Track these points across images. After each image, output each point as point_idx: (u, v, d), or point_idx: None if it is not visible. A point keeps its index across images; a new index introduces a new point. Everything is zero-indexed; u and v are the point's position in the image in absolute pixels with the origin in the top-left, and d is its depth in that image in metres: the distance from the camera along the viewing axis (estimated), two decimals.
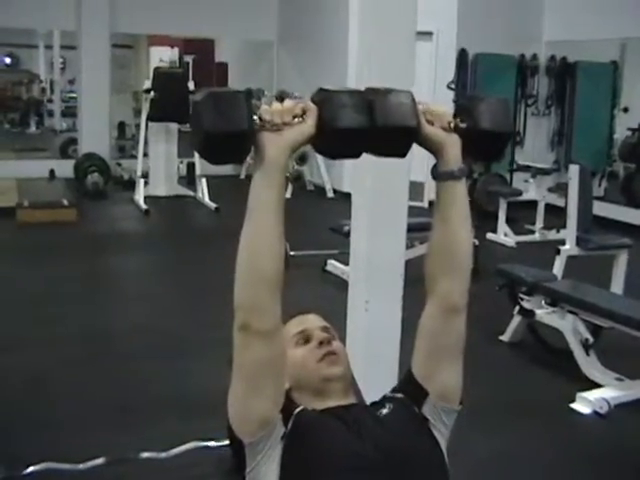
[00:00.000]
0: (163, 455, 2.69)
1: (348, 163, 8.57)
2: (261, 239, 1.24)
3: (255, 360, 1.26)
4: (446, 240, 1.36)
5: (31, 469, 2.58)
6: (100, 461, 2.62)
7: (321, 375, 1.45)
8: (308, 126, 1.21)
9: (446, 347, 1.41)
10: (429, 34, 8.35)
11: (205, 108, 1.15)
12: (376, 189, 2.44)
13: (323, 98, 1.23)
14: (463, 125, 1.34)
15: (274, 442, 1.31)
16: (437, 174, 1.35)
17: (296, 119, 1.21)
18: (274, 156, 1.20)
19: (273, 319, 1.26)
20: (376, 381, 2.25)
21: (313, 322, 1.54)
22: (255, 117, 1.18)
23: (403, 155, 1.35)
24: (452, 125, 1.34)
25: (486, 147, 1.38)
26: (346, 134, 1.23)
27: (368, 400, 1.59)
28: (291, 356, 1.47)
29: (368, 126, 1.24)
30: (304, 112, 1.22)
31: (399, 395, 1.46)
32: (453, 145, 1.33)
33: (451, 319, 1.39)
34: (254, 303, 1.24)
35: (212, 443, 2.69)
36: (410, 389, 1.45)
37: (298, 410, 1.37)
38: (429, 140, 1.33)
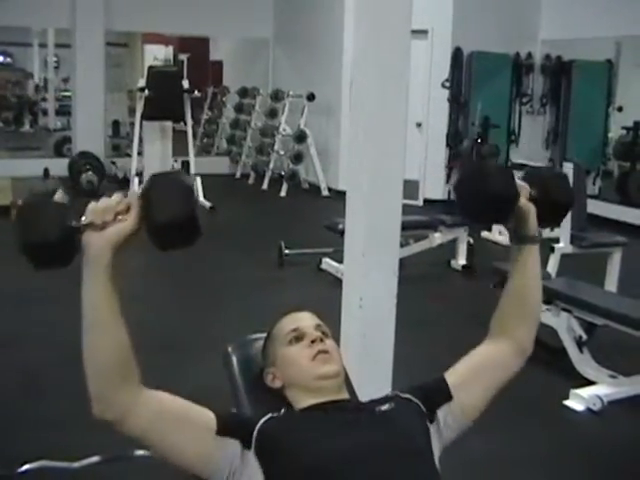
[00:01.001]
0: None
1: (343, 162, 8.60)
2: (93, 336, 1.26)
3: (142, 431, 1.29)
4: (524, 292, 1.54)
5: (26, 467, 2.58)
6: (95, 459, 2.62)
7: (314, 373, 1.45)
8: (129, 224, 1.23)
9: (496, 378, 1.53)
10: (424, 32, 8.36)
11: (18, 219, 1.19)
12: (371, 187, 2.44)
13: (145, 191, 1.23)
14: (535, 196, 1.51)
15: (238, 460, 1.32)
16: (521, 238, 1.52)
17: (119, 216, 1.22)
18: (95, 256, 1.22)
19: (117, 408, 1.28)
20: (370, 378, 2.26)
21: (306, 320, 1.54)
22: (80, 220, 1.20)
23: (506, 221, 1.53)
24: (530, 196, 1.50)
25: (551, 215, 1.55)
26: (170, 228, 1.24)
27: (362, 396, 1.60)
28: (284, 354, 1.49)
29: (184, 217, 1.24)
30: (128, 208, 1.23)
31: (406, 396, 1.48)
32: (533, 213, 1.50)
33: (517, 359, 1.55)
34: (96, 395, 1.27)
35: None
36: (434, 390, 1.49)
37: (259, 426, 1.36)
38: (521, 209, 1.49)
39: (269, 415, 1.39)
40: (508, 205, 1.44)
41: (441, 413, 1.47)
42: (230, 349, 1.68)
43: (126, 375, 1.28)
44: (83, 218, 1.20)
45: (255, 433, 1.34)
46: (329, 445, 1.33)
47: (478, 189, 1.43)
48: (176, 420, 1.32)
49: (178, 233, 1.24)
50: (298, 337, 1.50)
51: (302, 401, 1.46)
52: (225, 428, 1.32)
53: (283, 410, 1.44)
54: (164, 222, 1.21)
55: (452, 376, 1.51)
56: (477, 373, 1.52)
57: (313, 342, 1.48)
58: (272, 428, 1.36)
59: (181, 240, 1.25)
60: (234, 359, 1.66)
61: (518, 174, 1.51)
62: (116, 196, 1.23)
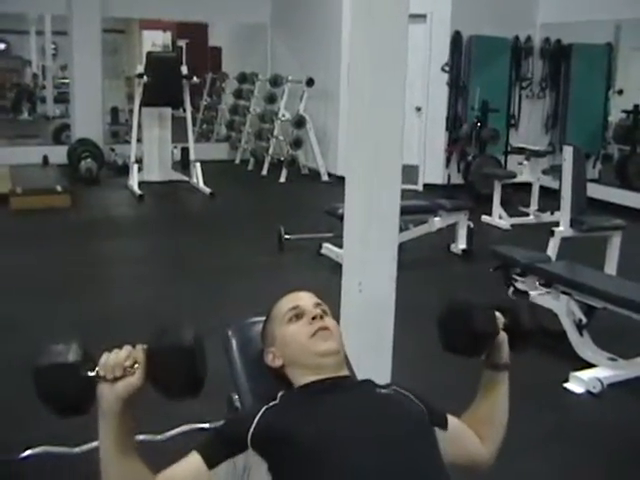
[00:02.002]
0: (159, 437, 2.70)
1: (342, 147, 8.58)
2: (107, 474, 1.34)
3: None
4: (490, 414, 1.63)
5: (28, 452, 2.60)
6: (95, 444, 2.60)
7: (314, 350, 1.46)
8: (136, 379, 1.30)
9: (469, 454, 1.59)
10: (423, 16, 8.32)
11: (36, 381, 1.26)
12: (370, 171, 2.44)
13: (150, 352, 1.32)
14: (507, 325, 1.60)
15: (243, 467, 1.35)
16: (492, 365, 1.60)
17: (127, 370, 1.30)
18: (106, 407, 1.30)
19: None
20: (370, 362, 2.27)
21: (305, 299, 1.55)
22: (94, 372, 1.28)
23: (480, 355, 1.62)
24: (504, 326, 1.59)
25: (521, 342, 1.63)
26: (172, 390, 1.33)
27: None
28: (284, 333, 1.50)
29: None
30: (134, 363, 1.30)
31: (406, 393, 1.49)
32: (506, 341, 1.58)
33: (482, 459, 1.61)
34: None
35: (207, 425, 2.71)
36: (434, 409, 1.51)
37: (253, 426, 1.36)
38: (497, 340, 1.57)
39: (264, 408, 1.39)
40: (490, 340, 1.55)
41: (435, 432, 1.48)
42: (230, 332, 1.68)
43: None
44: (97, 369, 1.29)
45: (250, 435, 1.35)
46: (328, 421, 1.34)
47: (463, 326, 1.54)
48: None
49: (181, 391, 1.34)
50: (298, 315, 1.51)
51: (302, 379, 1.46)
52: (213, 459, 1.36)
53: (280, 394, 1.45)
54: (167, 383, 1.32)
55: (452, 420, 1.55)
56: (462, 438, 1.57)
57: (313, 319, 1.49)
58: (267, 420, 1.37)
59: (185, 394, 1.34)
60: (234, 342, 1.67)
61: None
62: (125, 350, 1.31)
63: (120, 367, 1.29)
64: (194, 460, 1.37)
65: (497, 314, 1.58)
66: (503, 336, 1.57)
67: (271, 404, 1.41)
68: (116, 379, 1.29)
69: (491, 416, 1.62)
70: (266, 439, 1.34)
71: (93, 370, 1.29)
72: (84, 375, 1.28)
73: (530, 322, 1.64)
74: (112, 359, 1.30)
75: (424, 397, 1.52)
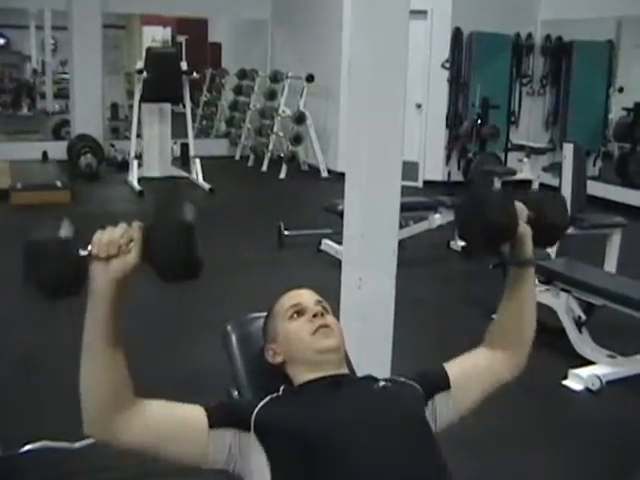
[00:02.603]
0: None
1: (342, 144, 8.57)
2: (89, 365, 1.27)
3: (136, 447, 1.31)
4: (521, 314, 1.58)
5: (27, 447, 2.60)
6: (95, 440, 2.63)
7: (315, 347, 1.46)
8: (131, 259, 1.23)
9: (490, 384, 1.58)
10: (423, 13, 8.31)
11: (25, 256, 1.23)
12: (370, 168, 2.44)
13: (148, 227, 1.25)
14: (532, 218, 1.52)
15: (239, 448, 1.34)
16: (516, 261, 1.53)
17: (122, 248, 1.23)
18: (100, 288, 1.24)
19: (111, 432, 1.28)
20: (370, 358, 2.27)
21: (307, 296, 1.56)
22: (86, 251, 1.22)
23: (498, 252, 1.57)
24: (528, 219, 1.51)
25: (547, 237, 1.57)
26: (169, 266, 1.27)
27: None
28: (285, 330, 1.50)
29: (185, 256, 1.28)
30: (130, 241, 1.24)
31: (403, 379, 1.50)
32: (529, 236, 1.51)
33: (512, 371, 1.60)
34: (89, 419, 1.27)
35: None
36: (432, 376, 1.52)
37: (257, 409, 1.37)
38: (518, 233, 1.49)
39: (268, 398, 1.40)
40: (510, 233, 1.47)
41: (437, 400, 1.50)
42: (229, 328, 1.69)
43: (120, 403, 1.29)
44: (89, 248, 1.21)
45: (254, 415, 1.35)
46: (329, 418, 1.35)
47: (482, 220, 1.45)
48: (169, 432, 1.33)
49: (179, 270, 1.27)
50: (299, 312, 1.51)
51: (302, 376, 1.47)
52: (217, 421, 1.34)
53: (282, 388, 1.45)
54: (165, 260, 1.24)
55: (452, 369, 1.54)
56: (476, 374, 1.56)
57: (314, 317, 1.50)
58: (271, 408, 1.37)
59: (183, 275, 1.28)
60: (233, 338, 1.67)
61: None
62: (120, 228, 1.24)
63: (115, 245, 1.22)
64: (197, 410, 1.35)
65: (520, 205, 1.49)
66: (526, 229, 1.49)
67: (274, 395, 1.42)
68: (110, 258, 1.22)
69: (519, 316, 1.57)
70: (268, 427, 1.34)
71: (85, 250, 1.21)
72: (75, 253, 1.20)
73: (557, 216, 1.56)
74: (106, 236, 1.23)
75: (418, 372, 1.53)
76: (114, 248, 1.22)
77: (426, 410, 1.48)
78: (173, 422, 1.33)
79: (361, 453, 1.30)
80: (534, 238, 1.51)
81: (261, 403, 1.38)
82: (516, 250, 1.52)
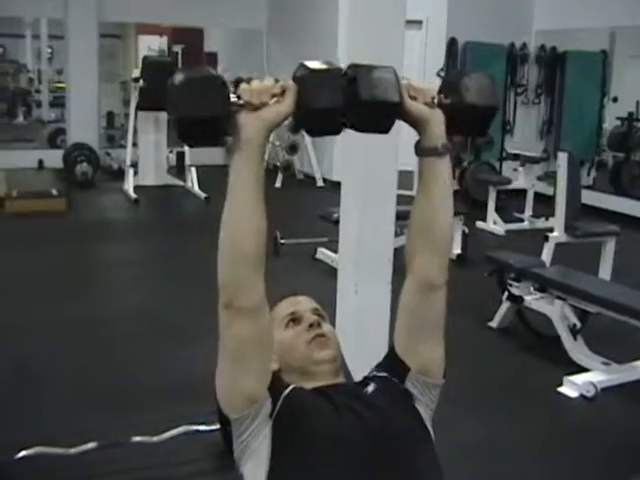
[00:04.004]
0: (154, 439, 2.70)
1: (337, 152, 8.59)
2: (240, 217, 1.24)
3: (240, 337, 1.28)
4: (426, 216, 1.37)
5: (23, 453, 2.58)
6: (91, 445, 2.63)
7: (311, 358, 1.46)
8: (285, 106, 1.22)
9: (425, 322, 1.41)
10: (419, 22, 8.36)
11: (181, 93, 1.16)
12: (365, 176, 2.46)
13: (301, 77, 1.24)
14: (447, 101, 1.34)
15: (262, 420, 1.33)
16: (420, 150, 1.35)
17: (275, 98, 1.22)
18: (251, 136, 1.22)
19: (255, 296, 1.27)
20: (366, 363, 2.26)
21: (304, 304, 1.55)
22: (233, 97, 1.19)
23: (386, 131, 1.35)
24: (436, 101, 1.34)
25: (471, 122, 1.38)
26: (324, 114, 1.24)
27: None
28: (281, 338, 1.48)
29: (349, 102, 1.25)
30: (283, 91, 1.23)
31: (382, 374, 1.47)
32: (436, 121, 1.33)
33: (429, 295, 1.39)
34: (236, 281, 1.25)
35: (203, 427, 2.71)
36: (393, 365, 1.46)
37: (288, 391, 1.37)
38: (412, 115, 1.33)
39: (292, 386, 1.39)
40: (385, 111, 1.29)
41: (409, 383, 1.44)
42: None
43: (261, 264, 1.26)
44: (238, 94, 1.18)
45: (280, 401, 1.34)
46: (341, 427, 1.33)
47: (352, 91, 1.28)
48: (263, 351, 1.31)
49: (328, 120, 1.24)
50: (295, 320, 1.51)
51: (298, 385, 1.45)
52: (272, 386, 1.33)
53: (292, 386, 1.43)
54: (318, 108, 1.21)
55: (398, 345, 1.46)
56: (413, 331, 1.42)
57: (311, 326, 1.48)
58: (295, 399, 1.36)
59: (329, 128, 1.26)
60: None
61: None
62: (269, 79, 1.23)
63: (268, 92, 1.20)
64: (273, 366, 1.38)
65: (424, 85, 1.33)
66: (426, 112, 1.32)
67: (297, 386, 1.41)
68: (262, 105, 1.19)
69: (430, 219, 1.36)
70: (289, 416, 1.33)
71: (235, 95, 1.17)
72: (227, 95, 1.16)
73: (479, 97, 1.33)
74: (258, 85, 1.20)
75: (382, 364, 1.49)
76: (267, 96, 1.21)
77: (413, 399, 1.43)
78: (270, 345, 1.33)
79: (359, 464, 1.29)
80: (455, 124, 1.34)
81: (286, 391, 1.37)
82: (422, 137, 1.35)
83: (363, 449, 1.31)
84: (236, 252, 1.25)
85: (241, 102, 1.19)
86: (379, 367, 1.51)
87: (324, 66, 1.28)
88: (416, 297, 1.40)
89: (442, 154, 1.34)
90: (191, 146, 1.25)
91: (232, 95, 1.19)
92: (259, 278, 1.27)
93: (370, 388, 1.44)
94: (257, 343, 1.30)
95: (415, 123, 1.34)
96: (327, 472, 1.29)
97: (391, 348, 1.48)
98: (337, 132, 1.31)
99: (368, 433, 1.33)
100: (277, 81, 1.24)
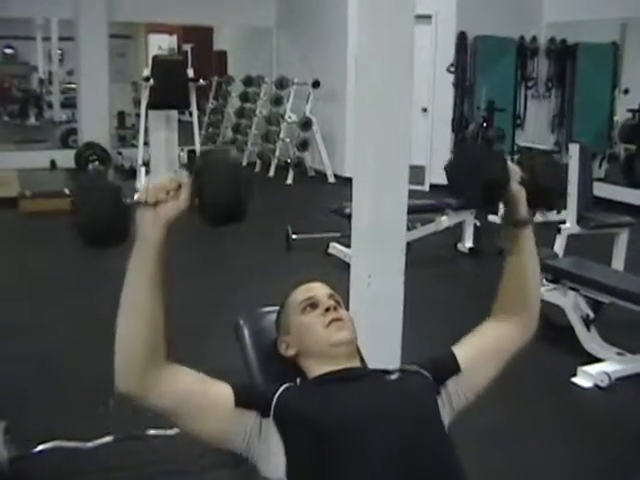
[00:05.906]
0: (170, 432, 2.72)
1: (349, 149, 8.59)
2: (128, 314, 1.29)
3: (161, 408, 1.33)
4: (523, 274, 1.56)
5: (41, 447, 2.62)
6: (108, 439, 2.66)
7: (329, 340, 1.48)
8: (181, 202, 1.26)
9: (501, 358, 1.57)
10: (428, 17, 8.34)
11: (74, 203, 1.25)
12: (377, 171, 2.46)
13: (196, 170, 1.27)
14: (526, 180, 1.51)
15: (264, 427, 1.35)
16: (514, 222, 1.52)
17: (171, 194, 1.26)
18: (147, 233, 1.28)
19: (142, 386, 1.30)
20: (379, 354, 2.28)
21: (319, 289, 1.57)
22: (133, 199, 1.25)
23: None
24: (522, 179, 1.50)
25: (541, 199, 1.56)
26: (219, 206, 1.29)
27: None
28: (298, 323, 1.52)
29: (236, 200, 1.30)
30: (179, 187, 1.27)
31: (414, 368, 1.51)
32: (523, 196, 1.50)
33: (521, 339, 1.59)
34: (121, 371, 1.30)
35: None
36: (442, 362, 1.52)
37: (277, 395, 1.39)
38: (510, 192, 1.48)
39: (286, 385, 1.42)
40: (500, 189, 1.45)
41: (450, 385, 1.50)
42: (242, 321, 1.71)
43: (154, 357, 1.31)
44: (136, 196, 1.24)
45: (274, 401, 1.37)
46: (344, 410, 1.36)
47: (471, 173, 1.44)
48: (196, 401, 1.35)
49: (227, 212, 1.29)
50: (312, 305, 1.53)
51: (316, 369, 1.48)
52: (243, 400, 1.36)
53: (298, 380, 1.47)
54: (214, 203, 1.26)
55: (460, 350, 1.54)
56: (484, 351, 1.54)
57: (327, 310, 1.51)
58: (289, 396, 1.39)
59: (231, 218, 1.31)
60: (246, 331, 1.69)
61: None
62: (166, 177, 1.27)
63: (163, 190, 1.25)
64: (225, 387, 1.37)
65: (513, 166, 1.49)
66: (519, 190, 1.49)
67: (291, 384, 1.43)
68: (158, 203, 1.24)
69: (522, 278, 1.56)
70: (286, 415, 1.36)
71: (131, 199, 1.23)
72: (123, 199, 1.22)
73: (550, 179, 1.55)
74: (154, 184, 1.25)
75: (428, 359, 1.54)
76: (162, 193, 1.25)
77: (439, 398, 1.48)
78: (201, 392, 1.36)
79: (376, 446, 1.31)
80: (528, 201, 1.51)
81: (280, 389, 1.40)
82: (511, 210, 1.51)
83: (373, 429, 1.33)
84: (122, 346, 1.31)
85: (140, 199, 1.25)
86: (413, 363, 1.54)
87: (222, 155, 1.33)
88: (508, 338, 1.58)
89: (530, 224, 1.54)
90: (93, 248, 1.30)
91: (129, 199, 1.25)
92: (147, 370, 1.30)
93: (393, 376, 1.47)
94: (184, 405, 1.34)
95: (510, 199, 1.49)
96: (341, 466, 1.31)
97: (450, 351, 1.54)
98: (240, 220, 1.35)
99: (380, 413, 1.35)
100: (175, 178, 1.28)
